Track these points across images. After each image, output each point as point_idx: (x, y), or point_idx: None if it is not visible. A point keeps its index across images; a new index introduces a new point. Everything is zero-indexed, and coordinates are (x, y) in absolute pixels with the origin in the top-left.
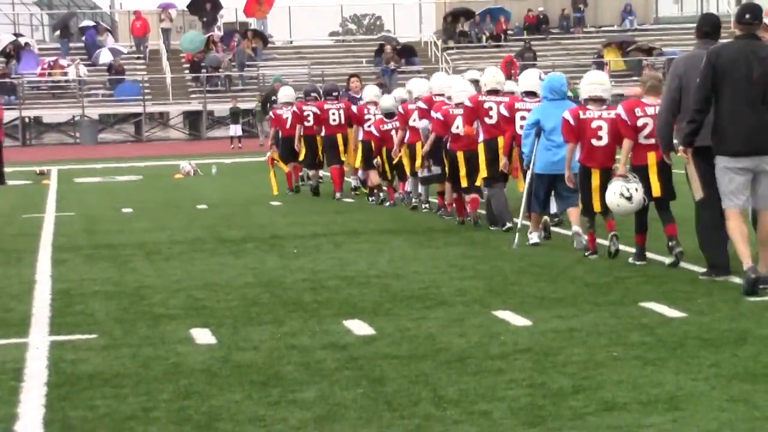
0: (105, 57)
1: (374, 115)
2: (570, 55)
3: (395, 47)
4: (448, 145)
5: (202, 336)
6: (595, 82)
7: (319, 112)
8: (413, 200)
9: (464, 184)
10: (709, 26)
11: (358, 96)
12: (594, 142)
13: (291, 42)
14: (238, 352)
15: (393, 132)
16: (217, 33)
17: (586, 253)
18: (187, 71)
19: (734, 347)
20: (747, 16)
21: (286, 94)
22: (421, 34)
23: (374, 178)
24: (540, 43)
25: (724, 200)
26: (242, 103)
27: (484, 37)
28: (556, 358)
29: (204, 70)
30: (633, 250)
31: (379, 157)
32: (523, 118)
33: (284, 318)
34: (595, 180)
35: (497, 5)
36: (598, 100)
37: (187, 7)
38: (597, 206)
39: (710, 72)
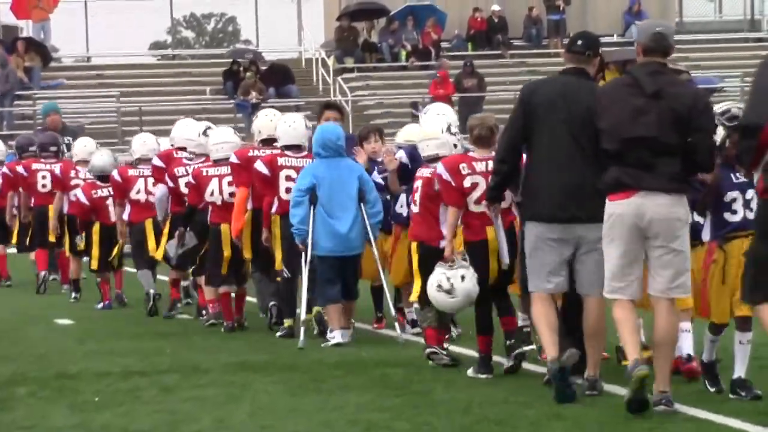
0: None
1: (84, 179)
2: None
3: (258, 68)
4: (209, 218)
5: None
6: (427, 138)
7: (26, 174)
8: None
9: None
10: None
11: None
12: (412, 207)
13: (88, 59)
14: None
15: (109, 200)
16: None
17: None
18: None
19: None
20: (579, 42)
21: (1, 150)
22: (302, 48)
23: (74, 266)
24: (492, 62)
25: (530, 279)
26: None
27: (402, 53)
28: None
29: None
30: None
31: (81, 235)
32: (289, 178)
33: None
34: (414, 258)
35: (423, 2)
36: (436, 159)
37: None
38: (414, 294)
39: (521, 114)
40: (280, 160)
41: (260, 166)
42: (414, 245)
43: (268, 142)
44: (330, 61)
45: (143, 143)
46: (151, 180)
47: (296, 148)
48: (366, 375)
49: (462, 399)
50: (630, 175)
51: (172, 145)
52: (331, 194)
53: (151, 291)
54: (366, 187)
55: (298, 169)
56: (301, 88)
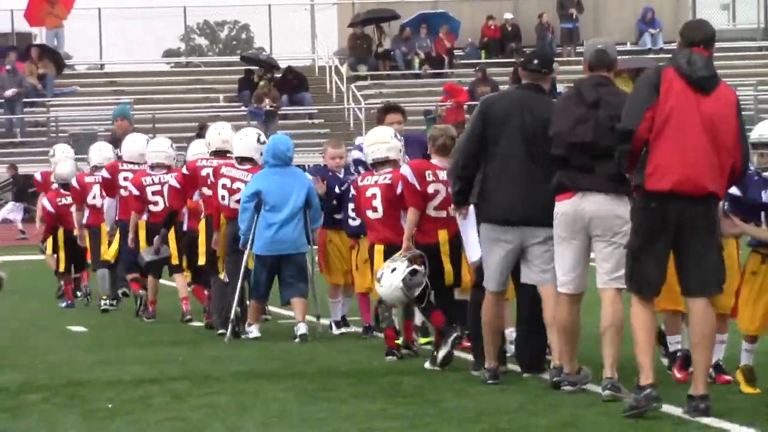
0: None
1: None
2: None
3: (273, 75)
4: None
5: None
6: (378, 141)
7: None
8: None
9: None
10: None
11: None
12: (370, 214)
13: (102, 66)
14: None
15: (73, 207)
16: None
17: (386, 357)
18: None
19: None
20: (535, 62)
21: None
22: (315, 55)
23: (51, 262)
24: (505, 70)
25: (486, 277)
26: (26, 167)
27: (416, 61)
28: None
29: None
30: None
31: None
32: (224, 187)
33: None
34: (378, 260)
35: (437, 9)
36: (384, 163)
37: None
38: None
39: (481, 124)
40: (223, 170)
41: (206, 173)
42: (379, 247)
43: (220, 153)
44: (343, 69)
45: (99, 151)
46: None
47: (248, 160)
48: (377, 383)
49: (473, 407)
50: (570, 178)
51: (119, 157)
52: (277, 198)
53: (119, 292)
54: (312, 194)
55: (234, 180)
56: (314, 95)
